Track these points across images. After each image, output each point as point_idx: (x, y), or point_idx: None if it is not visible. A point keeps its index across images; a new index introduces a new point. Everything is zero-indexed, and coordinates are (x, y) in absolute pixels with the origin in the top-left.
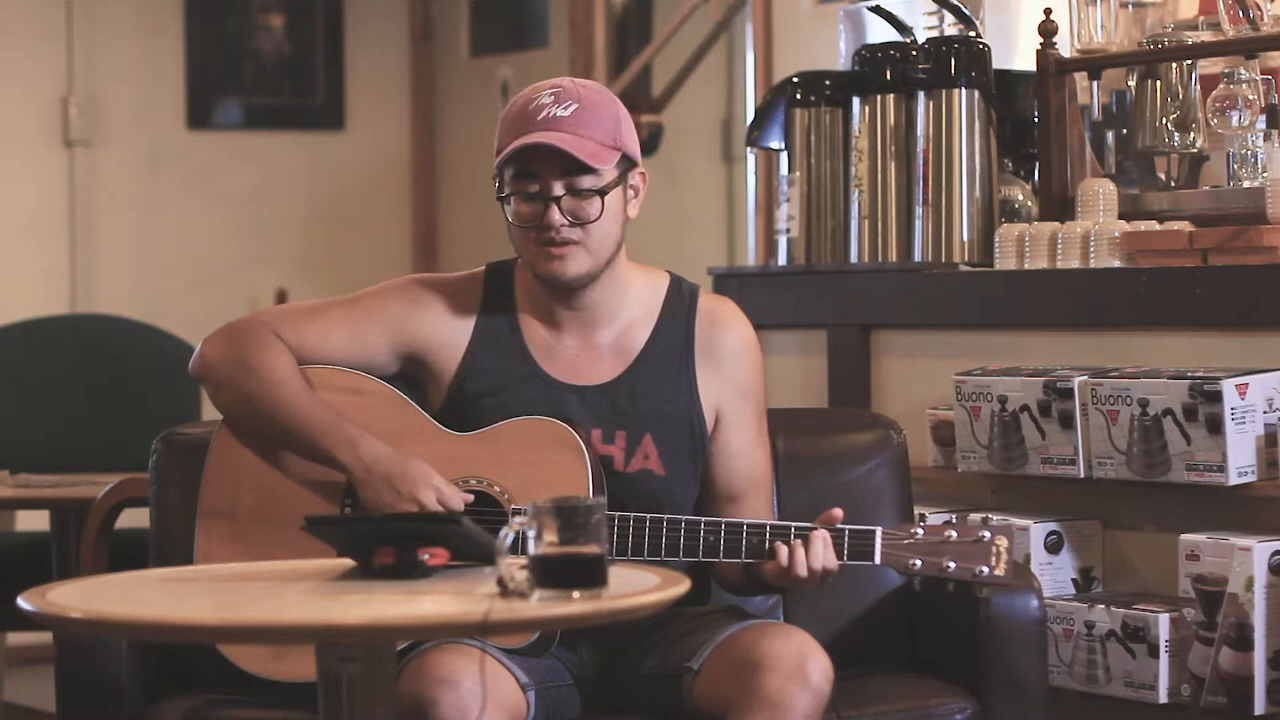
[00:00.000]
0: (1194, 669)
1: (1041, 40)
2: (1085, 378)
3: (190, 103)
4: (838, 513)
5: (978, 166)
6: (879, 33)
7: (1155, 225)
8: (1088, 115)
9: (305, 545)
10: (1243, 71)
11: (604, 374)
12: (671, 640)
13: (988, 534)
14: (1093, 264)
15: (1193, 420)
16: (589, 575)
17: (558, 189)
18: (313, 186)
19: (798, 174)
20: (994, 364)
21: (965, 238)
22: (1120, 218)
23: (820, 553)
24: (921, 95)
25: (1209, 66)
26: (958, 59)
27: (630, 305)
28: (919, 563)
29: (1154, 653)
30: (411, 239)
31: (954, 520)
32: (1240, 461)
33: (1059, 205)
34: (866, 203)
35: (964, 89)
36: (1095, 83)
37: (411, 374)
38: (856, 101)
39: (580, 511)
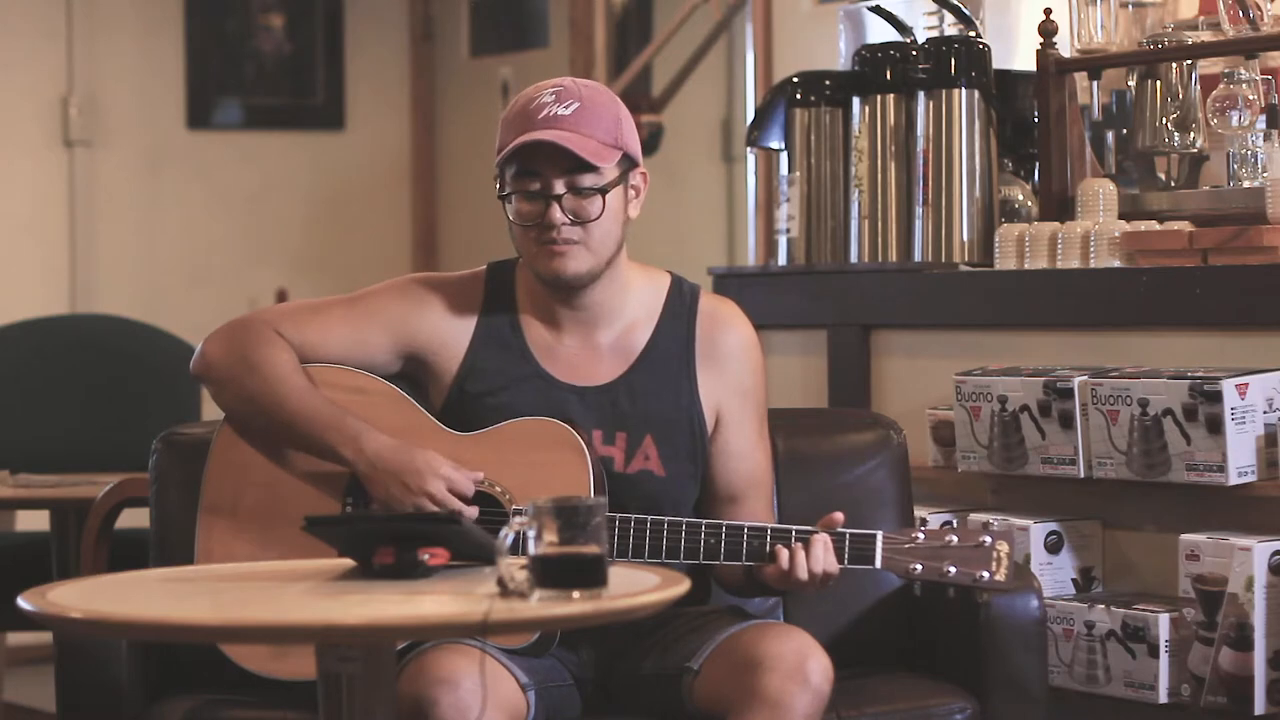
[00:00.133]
0: (1194, 669)
1: (1041, 40)
2: (1085, 378)
3: (190, 103)
4: (839, 516)
5: (978, 166)
6: (879, 33)
7: (1155, 225)
8: (1088, 115)
9: (306, 544)
10: (1243, 71)
11: (605, 374)
12: (671, 640)
13: (989, 538)
14: (1093, 264)
15: (1193, 420)
16: (589, 575)
17: (559, 187)
18: (313, 186)
19: (798, 174)
20: (994, 364)
21: (965, 238)
22: (1120, 218)
23: (821, 556)
24: (921, 95)
25: (1209, 66)
26: (958, 59)
27: (631, 306)
28: (920, 567)
29: (1154, 653)
30: (411, 239)
31: (955, 524)
32: (1240, 461)
33: (1059, 205)
34: (866, 203)
35: (964, 89)
36: (1095, 83)
37: (412, 373)
38: (856, 101)
39: (580, 512)
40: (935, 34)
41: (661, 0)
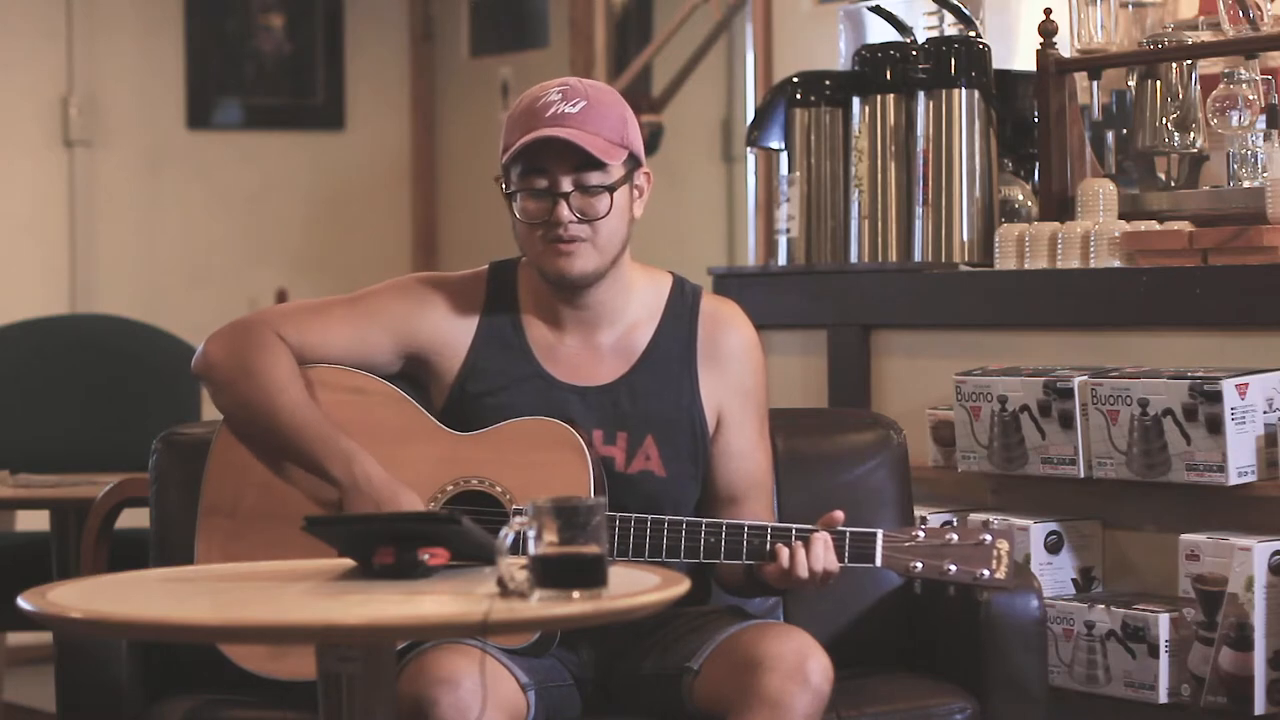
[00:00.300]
0: (1194, 669)
1: (1041, 40)
2: (1085, 378)
3: (190, 103)
4: (839, 515)
5: (978, 166)
6: (879, 33)
7: (1155, 225)
8: (1088, 115)
9: (306, 544)
10: (1243, 71)
11: (606, 375)
12: (671, 640)
13: (989, 537)
14: (1093, 264)
15: (1193, 420)
16: (589, 575)
17: (566, 185)
18: (313, 186)
19: (798, 174)
20: (994, 364)
21: (965, 238)
22: (1120, 218)
23: (821, 554)
24: (921, 95)
25: (1209, 66)
26: (958, 59)
27: (633, 306)
28: (920, 565)
29: (1154, 653)
30: (411, 239)
31: (955, 523)
32: (1240, 461)
33: (1059, 205)
34: (866, 203)
35: (964, 89)
36: (1095, 83)
37: (413, 373)
38: (856, 101)
39: (580, 512)
40: (935, 34)
41: (661, 0)
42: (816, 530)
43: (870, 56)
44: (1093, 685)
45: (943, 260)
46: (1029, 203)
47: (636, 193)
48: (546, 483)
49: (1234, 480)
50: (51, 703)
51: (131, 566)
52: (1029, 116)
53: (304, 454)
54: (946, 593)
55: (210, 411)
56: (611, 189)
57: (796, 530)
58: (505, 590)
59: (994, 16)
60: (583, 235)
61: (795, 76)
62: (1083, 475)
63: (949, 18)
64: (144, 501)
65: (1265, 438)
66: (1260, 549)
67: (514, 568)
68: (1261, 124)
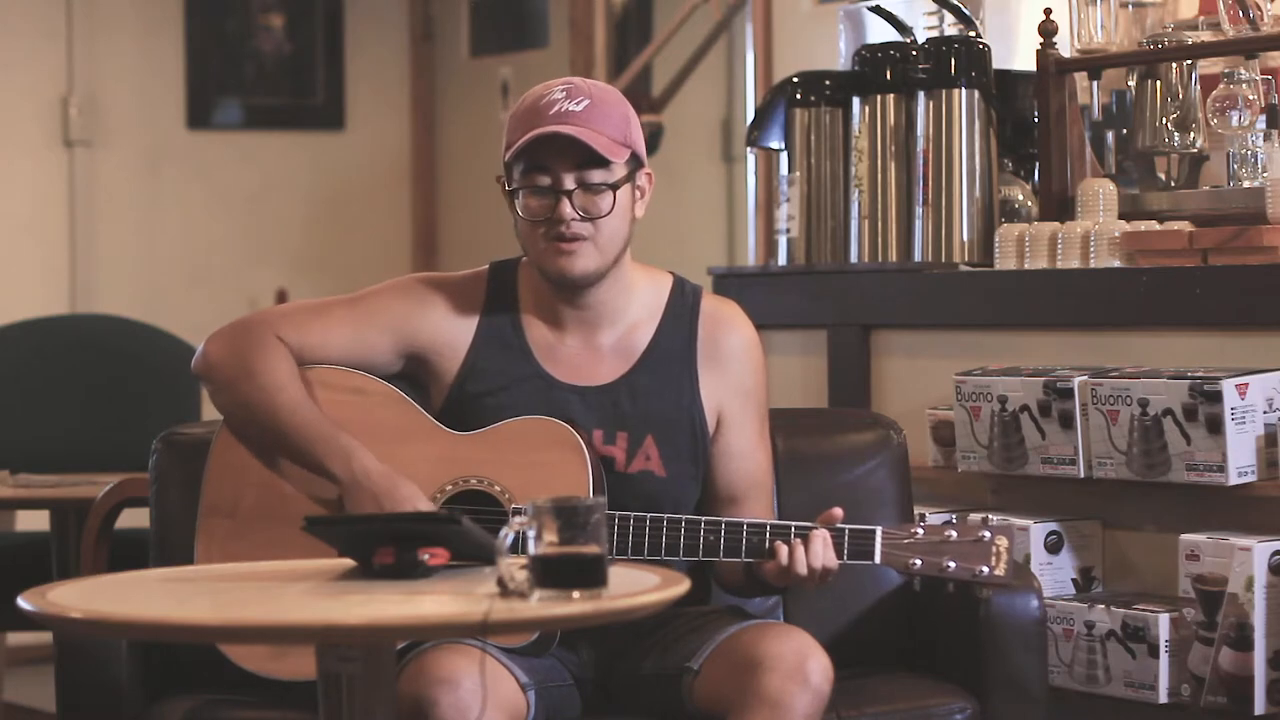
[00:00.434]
0: (1194, 669)
1: (1041, 40)
2: (1085, 378)
3: (190, 103)
4: (838, 512)
5: (978, 166)
6: (879, 33)
7: (1155, 225)
8: (1088, 115)
9: (306, 544)
10: (1243, 71)
11: (606, 375)
12: (671, 640)
13: (988, 534)
14: (1093, 264)
15: (1193, 420)
16: (589, 575)
17: (569, 182)
18: (313, 186)
19: (798, 174)
20: (994, 364)
21: (965, 238)
22: (1120, 218)
23: (820, 552)
24: (921, 95)
25: (1209, 66)
26: (958, 59)
27: (633, 306)
28: (919, 562)
29: (1154, 653)
30: (411, 239)
31: (954, 520)
32: (1240, 461)
33: (1059, 205)
34: (866, 203)
35: (964, 89)
36: (1095, 83)
37: (413, 373)
38: (856, 101)
39: (580, 511)
40: (935, 34)
41: (661, 0)
42: (816, 527)
43: (870, 56)
44: (1093, 685)
45: (943, 260)
46: (1029, 203)
47: (638, 193)
48: (546, 482)
49: (1234, 480)
50: (51, 703)
51: (131, 566)
52: (1029, 116)
53: (303, 452)
54: (946, 592)
55: (210, 411)
56: (614, 187)
57: (796, 528)
58: (505, 590)
59: (994, 16)
60: (585, 234)
61: (795, 76)
62: (1083, 475)
63: (949, 18)
64: (144, 501)
65: (1265, 438)
66: (1260, 549)
67: (514, 568)
68: (1261, 124)
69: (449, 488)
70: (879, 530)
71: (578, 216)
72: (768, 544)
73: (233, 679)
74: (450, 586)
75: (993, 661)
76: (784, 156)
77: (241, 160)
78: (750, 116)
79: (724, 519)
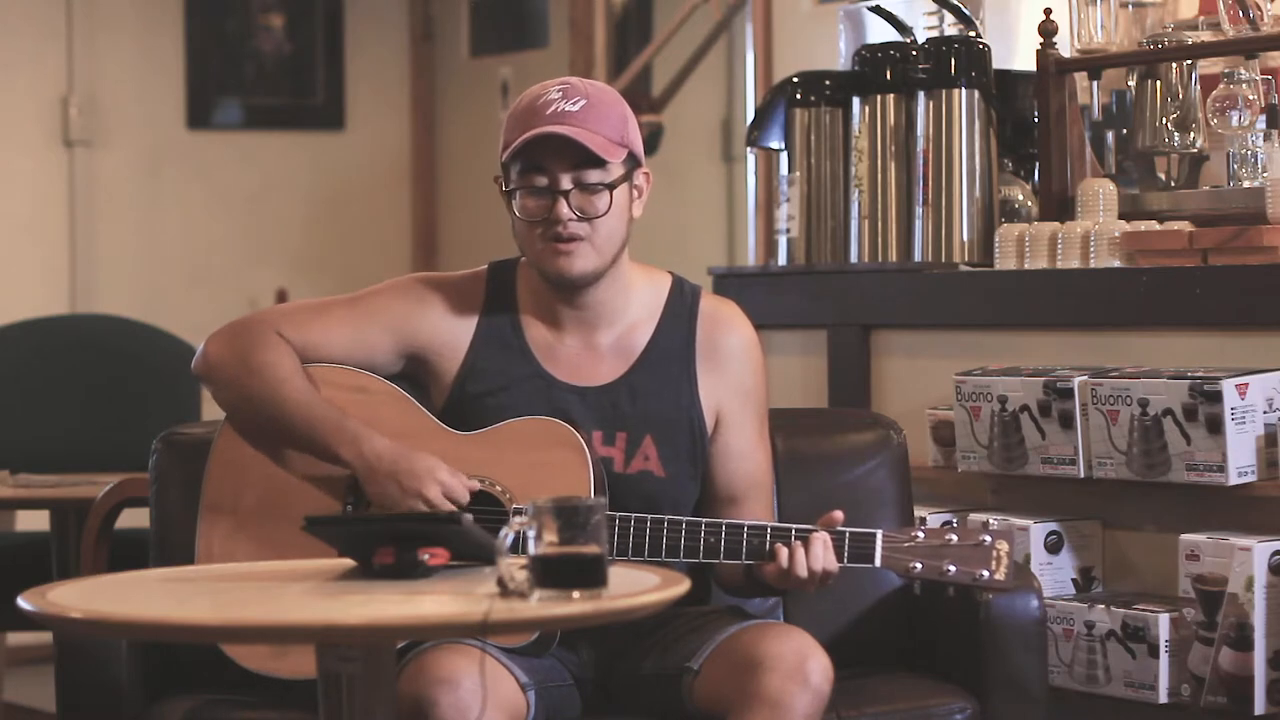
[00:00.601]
0: (1194, 669)
1: (1041, 40)
2: (1085, 378)
3: (190, 103)
4: (838, 515)
5: (978, 166)
6: (879, 33)
7: (1155, 225)
8: (1088, 115)
9: (307, 543)
10: (1243, 71)
11: (605, 375)
12: (671, 640)
13: (988, 538)
14: (1093, 264)
15: (1193, 420)
16: (589, 575)
17: (566, 182)
18: (313, 186)
19: (798, 174)
20: (994, 364)
21: (965, 238)
22: (1120, 218)
23: (820, 554)
24: (921, 95)
25: (1209, 66)
26: (958, 59)
27: (632, 306)
28: (919, 566)
29: (1154, 653)
30: (411, 239)
31: (955, 523)
32: (1240, 461)
33: (1059, 205)
34: (866, 203)
35: (964, 89)
36: (1095, 83)
37: (414, 373)
38: (856, 101)
39: (580, 511)
40: (935, 34)
41: (661, 0)
42: (816, 530)
43: (870, 56)
44: (1093, 685)
45: (943, 260)
46: (1029, 203)
47: (636, 193)
48: (546, 482)
49: (1234, 480)
50: (51, 703)
51: (131, 566)
52: (1029, 116)
53: (312, 442)
54: (946, 593)
55: (210, 411)
56: (611, 187)
57: (796, 530)
58: (505, 590)
59: (994, 16)
60: (582, 234)
61: (795, 76)
62: (1083, 475)
63: (949, 18)
64: (144, 501)
65: (1265, 438)
66: (1260, 549)
67: (514, 568)
68: (1261, 124)
69: None
70: (879, 533)
71: (575, 217)
72: (768, 546)
73: (233, 679)
74: (450, 586)
75: (993, 661)
76: (784, 156)
77: (241, 160)
78: (750, 116)
79: (724, 521)
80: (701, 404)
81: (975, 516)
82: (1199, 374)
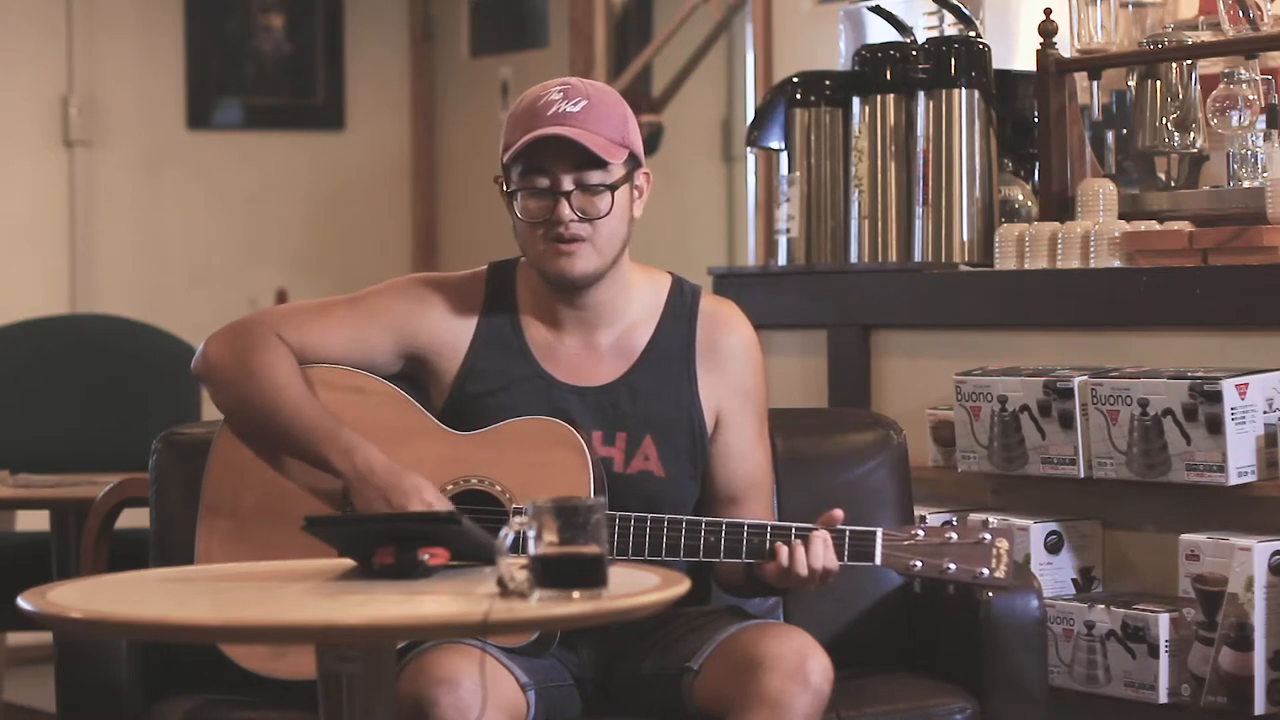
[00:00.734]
0: (1194, 669)
1: (1041, 40)
2: (1085, 378)
3: (190, 103)
4: (838, 513)
5: (978, 166)
6: (879, 33)
7: (1155, 225)
8: (1088, 115)
9: (306, 544)
10: (1243, 71)
11: (605, 375)
12: (671, 640)
13: (988, 536)
14: (1093, 264)
15: (1193, 420)
16: (589, 575)
17: (567, 183)
18: (313, 186)
19: (798, 174)
20: (994, 364)
21: (965, 238)
22: (1120, 218)
23: (820, 553)
24: (921, 95)
25: (1209, 66)
26: (958, 59)
27: (632, 306)
28: (919, 564)
29: (1154, 653)
30: (411, 239)
31: (954, 522)
32: (1240, 461)
33: (1059, 205)
34: (866, 203)
35: (964, 89)
36: (1095, 83)
37: (413, 374)
38: (856, 101)
39: (580, 511)
40: (935, 34)
41: (661, 0)
42: (816, 529)
43: (870, 56)
44: (1093, 685)
45: (943, 260)
46: (1029, 203)
47: (636, 193)
48: (546, 482)
49: (1234, 480)
50: (51, 703)
51: (131, 566)
52: (1029, 116)
53: (306, 449)
54: (946, 592)
55: (210, 411)
56: (612, 188)
57: (796, 529)
58: (505, 590)
59: (994, 16)
60: (583, 235)
61: (795, 76)
62: (1083, 475)
63: (949, 18)
64: (144, 501)
65: (1265, 438)
66: (1260, 549)
67: (514, 568)
68: (1261, 124)
69: (450, 487)
70: (879, 532)
71: (576, 217)
72: (768, 545)
73: (233, 679)
74: (450, 586)
75: (993, 661)
76: (784, 156)
77: (241, 160)
78: (750, 116)
79: (724, 520)
80: (701, 404)
81: (975, 516)
82: (1199, 374)
